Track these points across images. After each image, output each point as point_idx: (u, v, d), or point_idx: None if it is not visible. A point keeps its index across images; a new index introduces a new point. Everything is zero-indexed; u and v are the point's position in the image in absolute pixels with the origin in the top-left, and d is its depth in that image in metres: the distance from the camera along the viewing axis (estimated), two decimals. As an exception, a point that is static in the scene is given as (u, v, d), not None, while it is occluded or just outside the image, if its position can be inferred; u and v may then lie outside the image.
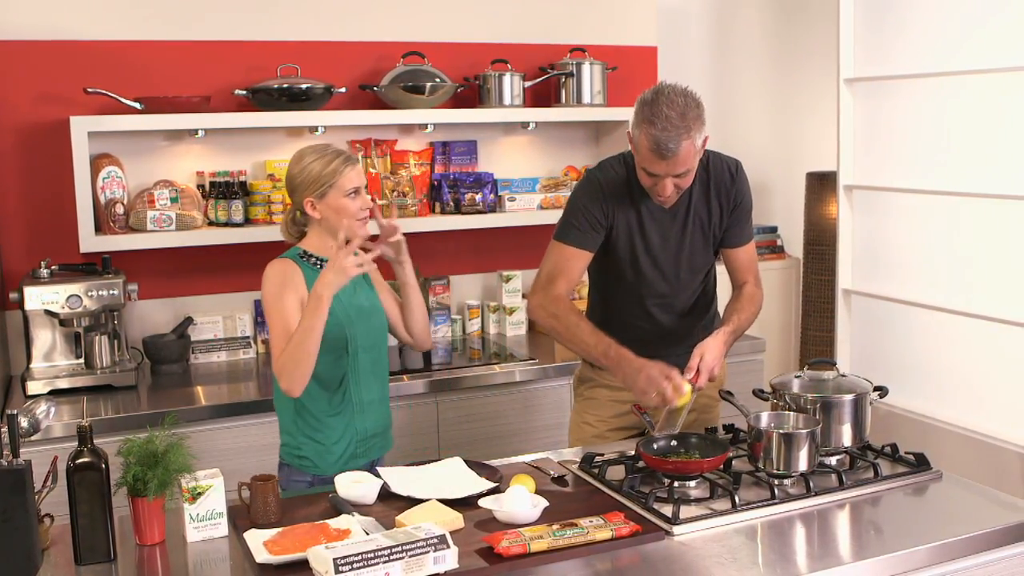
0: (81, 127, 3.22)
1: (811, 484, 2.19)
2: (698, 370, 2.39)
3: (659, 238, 2.59)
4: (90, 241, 3.26)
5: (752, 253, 2.70)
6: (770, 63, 4.81)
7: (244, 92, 3.51)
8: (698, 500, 2.16)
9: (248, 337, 3.67)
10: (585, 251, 2.58)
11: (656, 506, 2.10)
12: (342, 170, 2.45)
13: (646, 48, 4.20)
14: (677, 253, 2.61)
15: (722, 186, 2.61)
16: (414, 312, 2.65)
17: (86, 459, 1.93)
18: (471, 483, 2.26)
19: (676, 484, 2.21)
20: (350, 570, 1.71)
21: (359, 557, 1.73)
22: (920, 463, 2.35)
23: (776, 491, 2.15)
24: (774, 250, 4.75)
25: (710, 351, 2.42)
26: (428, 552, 1.79)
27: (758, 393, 2.55)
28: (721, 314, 2.69)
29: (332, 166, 2.44)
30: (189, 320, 3.53)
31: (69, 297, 3.16)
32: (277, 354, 2.39)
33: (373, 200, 2.58)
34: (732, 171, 2.64)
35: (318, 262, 2.50)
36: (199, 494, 2.01)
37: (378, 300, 2.63)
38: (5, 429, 1.84)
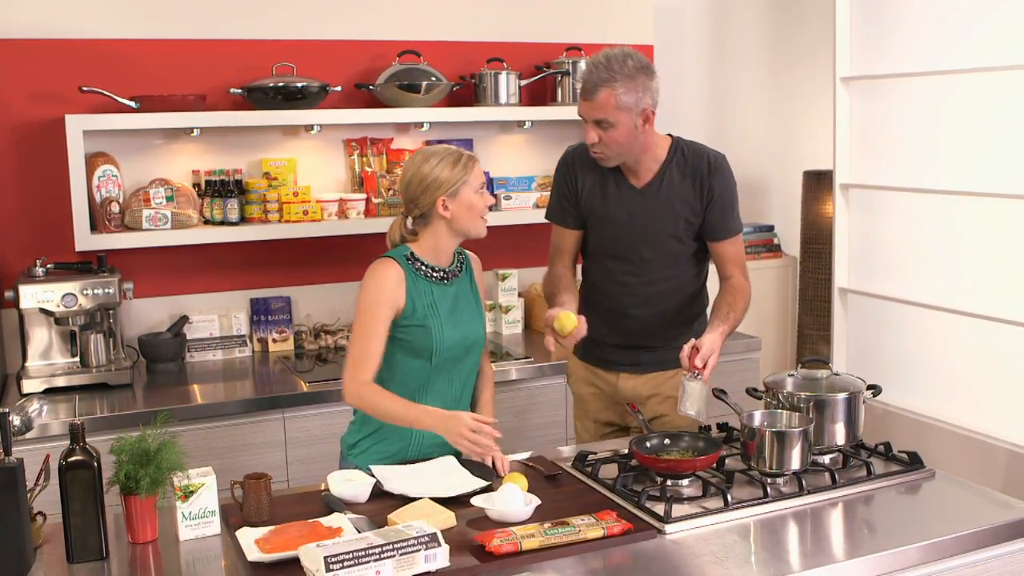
0: (76, 126, 3.22)
1: (804, 483, 2.19)
2: (703, 364, 2.39)
3: (625, 214, 2.65)
4: (86, 240, 3.26)
5: (738, 247, 2.70)
6: (766, 62, 4.81)
7: (240, 91, 3.51)
8: (691, 499, 2.16)
9: (244, 336, 3.67)
10: (566, 226, 2.75)
11: (649, 504, 2.10)
12: (472, 167, 2.44)
13: (642, 47, 4.18)
14: (643, 230, 2.63)
15: (698, 174, 2.62)
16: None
17: (78, 457, 1.93)
18: (464, 481, 2.26)
19: (669, 482, 2.21)
20: (341, 568, 1.72)
21: (350, 555, 1.73)
22: (913, 462, 2.35)
23: (769, 490, 2.15)
24: (770, 249, 4.75)
25: (707, 345, 2.42)
26: (419, 550, 1.79)
27: (751, 392, 2.55)
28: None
29: (462, 162, 2.43)
30: (185, 319, 3.54)
31: (64, 296, 3.16)
32: (358, 364, 2.38)
33: None
34: (711, 161, 2.64)
35: (424, 268, 2.46)
36: (191, 492, 2.01)
37: (480, 308, 2.58)
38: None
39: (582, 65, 3.92)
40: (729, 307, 2.59)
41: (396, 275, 2.42)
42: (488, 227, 3.88)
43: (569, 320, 2.45)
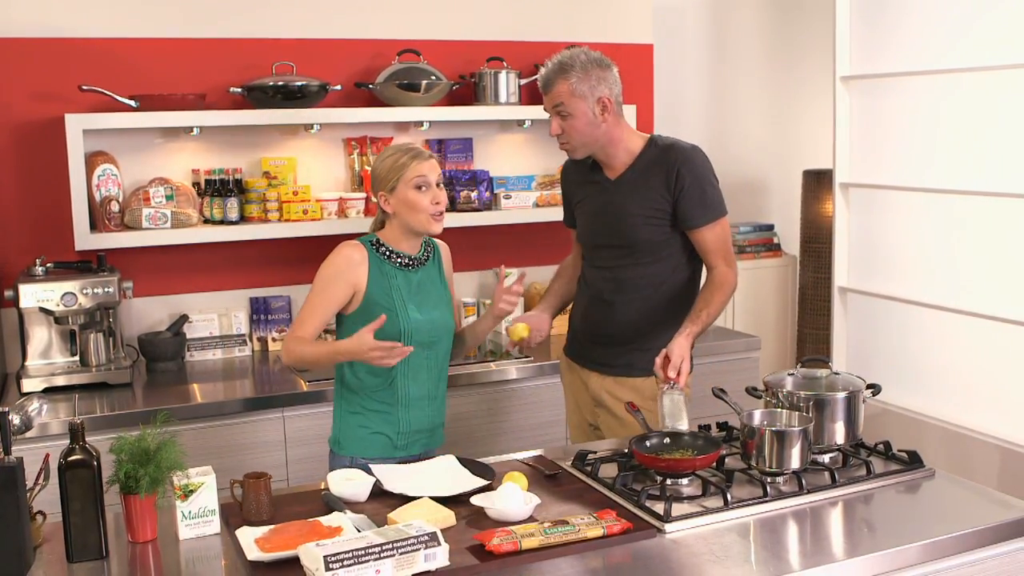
0: (76, 125, 3.22)
1: (804, 482, 2.19)
2: (676, 371, 2.45)
3: (600, 203, 2.78)
4: (85, 239, 3.26)
5: (719, 234, 2.71)
6: (766, 61, 4.81)
7: (239, 90, 3.51)
8: (690, 498, 2.16)
9: (243, 335, 3.67)
10: (572, 227, 2.96)
11: (648, 503, 2.10)
12: (409, 163, 2.50)
13: (642, 46, 4.20)
14: (616, 217, 2.73)
15: (668, 163, 2.68)
16: (466, 344, 2.77)
17: (78, 456, 1.93)
18: (463, 481, 2.26)
19: (669, 482, 2.21)
20: (341, 567, 1.71)
21: (350, 554, 1.73)
22: (913, 461, 2.35)
23: (768, 489, 2.15)
24: (770, 248, 4.74)
25: (675, 353, 2.47)
26: (419, 549, 1.79)
27: (751, 391, 2.55)
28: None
29: (401, 160, 2.51)
30: (184, 318, 3.54)
31: (64, 295, 3.16)
32: (297, 325, 2.52)
33: (516, 275, 2.72)
34: (681, 151, 2.69)
35: (388, 253, 2.56)
36: (191, 491, 2.01)
37: (447, 296, 2.66)
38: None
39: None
40: (704, 303, 2.64)
41: (359, 255, 2.52)
42: (487, 226, 3.95)
43: (515, 331, 2.71)
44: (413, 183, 2.50)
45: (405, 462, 2.43)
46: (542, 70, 2.70)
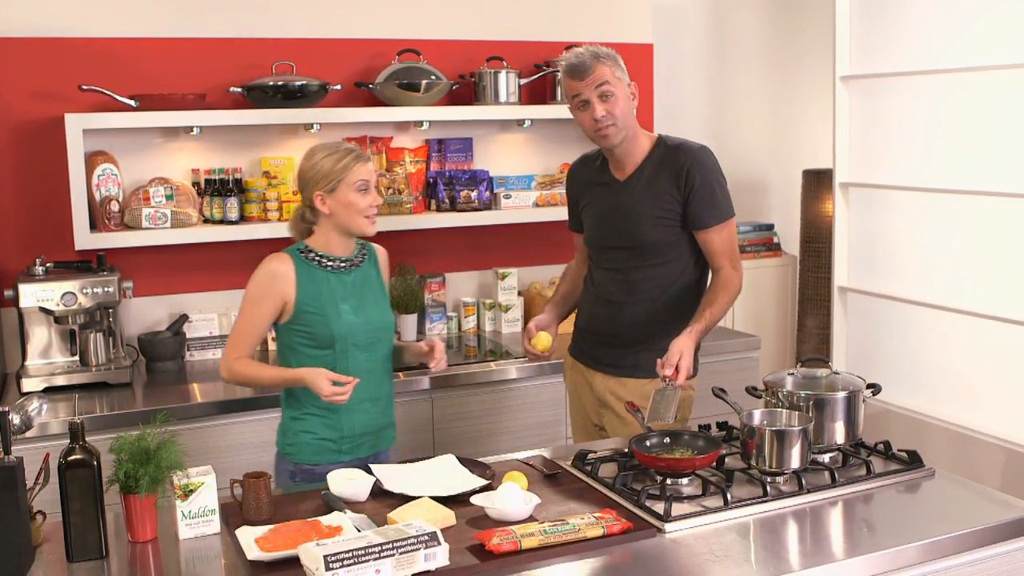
0: (76, 124, 3.22)
1: (803, 482, 2.19)
2: (676, 368, 2.44)
3: (608, 204, 2.77)
4: (85, 238, 3.26)
5: (726, 236, 2.71)
6: (766, 61, 4.81)
7: (239, 89, 3.51)
8: (690, 497, 2.16)
9: (243, 334, 3.66)
10: (578, 232, 2.95)
11: (648, 503, 2.10)
12: (352, 165, 2.48)
13: (642, 46, 4.20)
14: (625, 217, 2.72)
15: (678, 164, 2.68)
16: (403, 360, 2.78)
17: (78, 456, 1.93)
18: (464, 480, 2.26)
19: (668, 481, 2.21)
20: (341, 567, 1.72)
21: (350, 554, 1.73)
22: (913, 461, 2.35)
23: (768, 488, 2.15)
24: (770, 247, 4.74)
25: (674, 348, 2.48)
26: (419, 549, 1.79)
27: (751, 391, 2.55)
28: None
29: (343, 161, 2.48)
30: (184, 318, 3.54)
31: (64, 294, 3.16)
32: (234, 345, 2.51)
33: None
34: (692, 152, 2.70)
35: (318, 258, 2.52)
36: (191, 491, 2.01)
37: (386, 296, 2.65)
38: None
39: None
40: (708, 303, 2.64)
41: (283, 268, 2.49)
42: (487, 226, 3.95)
43: (540, 341, 2.77)
44: (356, 186, 2.48)
45: (351, 466, 2.43)
46: (570, 60, 2.66)
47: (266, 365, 2.62)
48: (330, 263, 2.53)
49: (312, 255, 2.53)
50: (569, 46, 3.96)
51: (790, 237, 4.81)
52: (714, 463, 2.29)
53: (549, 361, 3.18)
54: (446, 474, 2.31)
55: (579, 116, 2.69)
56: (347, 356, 2.51)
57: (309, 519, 2.02)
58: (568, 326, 3.01)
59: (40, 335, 3.24)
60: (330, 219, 2.51)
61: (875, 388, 2.45)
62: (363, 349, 2.54)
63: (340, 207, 2.49)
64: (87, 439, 1.96)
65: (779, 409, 2.37)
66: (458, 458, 2.39)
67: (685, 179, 2.66)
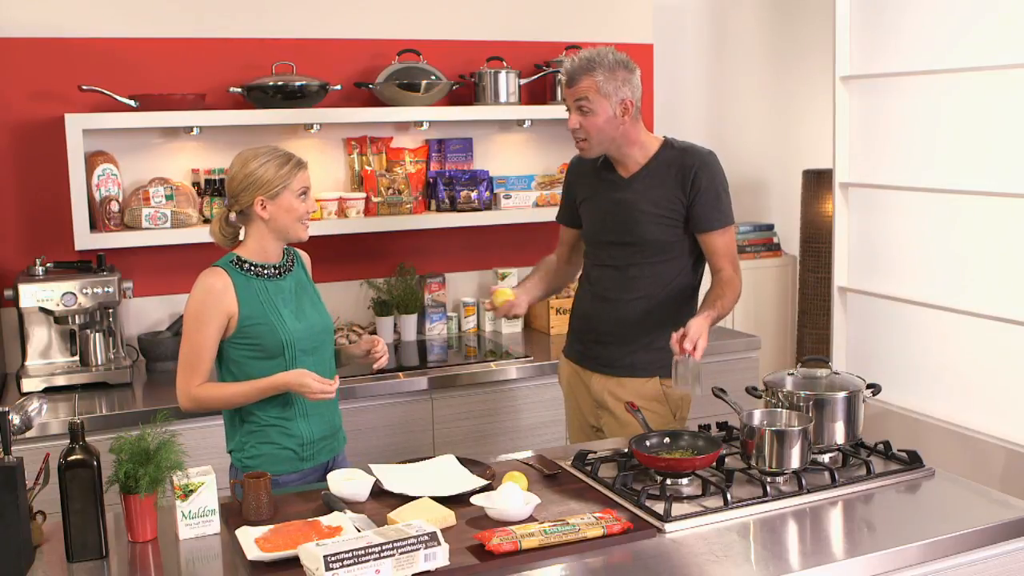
0: (76, 124, 3.22)
1: (803, 482, 2.19)
2: (693, 344, 2.42)
3: (610, 200, 2.76)
4: (85, 238, 3.26)
5: (727, 240, 2.73)
6: (766, 61, 4.81)
7: (239, 89, 3.51)
8: (690, 497, 2.16)
9: (243, 335, 3.67)
10: (567, 225, 2.97)
11: (648, 503, 2.10)
12: (296, 171, 2.47)
13: (642, 46, 4.20)
14: (627, 214, 2.72)
15: (685, 167, 2.69)
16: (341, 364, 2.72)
17: (78, 456, 1.93)
18: (463, 480, 2.26)
19: (668, 481, 2.21)
20: (341, 567, 1.72)
21: (350, 554, 1.73)
22: (913, 461, 2.35)
23: (768, 488, 2.15)
24: (770, 248, 4.75)
25: (694, 328, 2.45)
26: (419, 549, 1.79)
27: (751, 391, 2.55)
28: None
29: (286, 167, 2.46)
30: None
31: (64, 295, 3.16)
32: (190, 372, 2.42)
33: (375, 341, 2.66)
34: (699, 156, 2.71)
35: (252, 268, 2.48)
36: (191, 491, 2.01)
37: (319, 298, 2.62)
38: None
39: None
40: (717, 297, 2.64)
41: (220, 283, 2.43)
42: (487, 226, 3.95)
43: (502, 294, 2.77)
44: (299, 192, 2.47)
45: (311, 473, 2.44)
46: (567, 63, 2.67)
47: (230, 383, 2.46)
48: (265, 271, 2.49)
49: (246, 265, 2.48)
50: (570, 46, 3.99)
51: (790, 237, 4.81)
52: (714, 463, 2.29)
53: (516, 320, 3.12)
54: (446, 474, 2.31)
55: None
56: (295, 363, 2.46)
57: (309, 519, 2.02)
58: (562, 327, 3.01)
59: (40, 335, 3.24)
60: (267, 224, 2.47)
61: (875, 388, 2.45)
62: (308, 353, 2.51)
63: (282, 212, 2.46)
64: (87, 439, 1.96)
65: (779, 409, 2.37)
66: (458, 458, 2.39)
67: (692, 181, 2.66)
